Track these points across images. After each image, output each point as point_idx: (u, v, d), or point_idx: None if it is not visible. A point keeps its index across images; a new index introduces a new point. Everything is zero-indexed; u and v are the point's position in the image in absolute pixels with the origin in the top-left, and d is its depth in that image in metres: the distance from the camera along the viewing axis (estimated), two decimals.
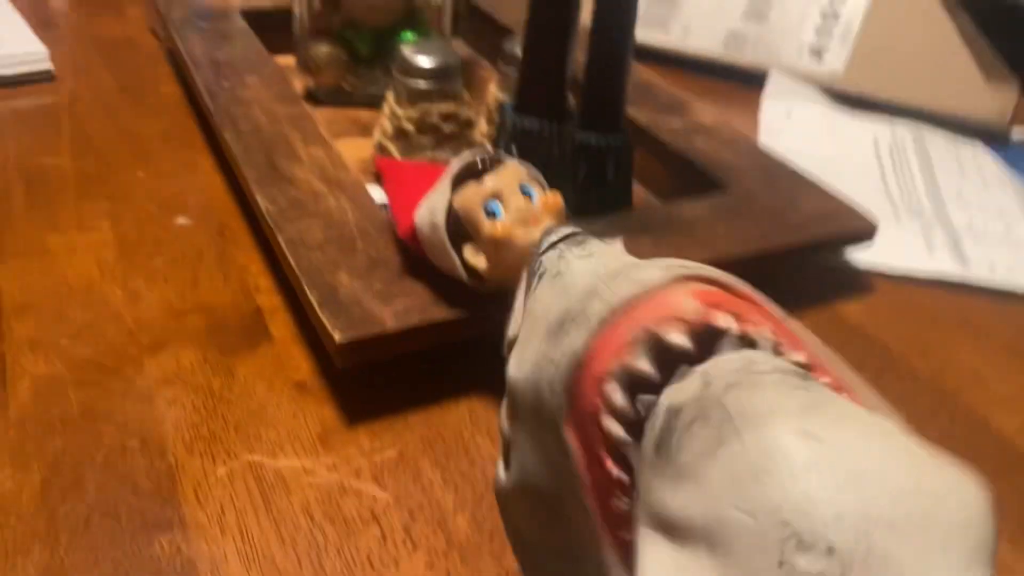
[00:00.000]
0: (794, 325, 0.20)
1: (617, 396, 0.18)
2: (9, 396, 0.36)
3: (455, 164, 0.36)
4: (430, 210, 0.36)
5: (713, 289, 0.19)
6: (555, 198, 0.35)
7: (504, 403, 0.24)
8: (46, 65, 0.63)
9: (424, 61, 0.49)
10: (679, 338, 0.18)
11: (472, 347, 0.38)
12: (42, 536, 0.31)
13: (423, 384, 0.38)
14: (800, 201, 0.47)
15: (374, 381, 0.38)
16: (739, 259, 0.42)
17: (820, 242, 0.45)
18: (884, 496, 0.15)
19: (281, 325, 0.41)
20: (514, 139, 0.43)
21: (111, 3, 0.77)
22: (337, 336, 0.35)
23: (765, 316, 0.19)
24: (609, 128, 0.45)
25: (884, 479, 0.15)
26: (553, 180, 0.37)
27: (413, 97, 0.49)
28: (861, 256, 0.50)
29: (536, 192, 0.35)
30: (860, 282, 0.48)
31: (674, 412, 0.17)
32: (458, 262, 0.35)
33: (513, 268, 0.35)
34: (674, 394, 0.17)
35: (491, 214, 0.34)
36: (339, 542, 0.31)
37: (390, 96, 0.51)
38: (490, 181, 0.34)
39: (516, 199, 0.34)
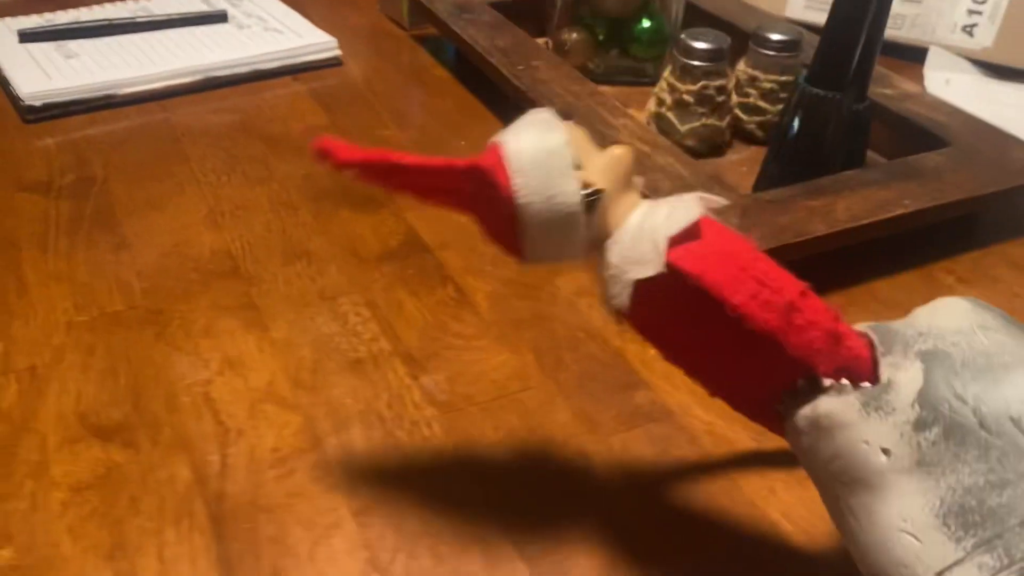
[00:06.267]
0: None
1: None
2: (477, 306, 0.49)
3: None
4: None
5: None
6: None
7: None
8: (336, 52, 0.75)
9: (703, 45, 0.61)
10: None
11: None
12: (554, 393, 0.43)
13: None
14: (1012, 152, 0.59)
15: None
16: (978, 199, 0.54)
17: None
18: None
19: None
20: (802, 105, 0.55)
21: None
22: None
23: None
24: (863, 97, 0.57)
25: None
26: (828, 141, 0.48)
27: (693, 74, 0.61)
28: None
29: None
30: None
31: None
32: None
33: None
34: None
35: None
36: None
37: (667, 73, 0.63)
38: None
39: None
